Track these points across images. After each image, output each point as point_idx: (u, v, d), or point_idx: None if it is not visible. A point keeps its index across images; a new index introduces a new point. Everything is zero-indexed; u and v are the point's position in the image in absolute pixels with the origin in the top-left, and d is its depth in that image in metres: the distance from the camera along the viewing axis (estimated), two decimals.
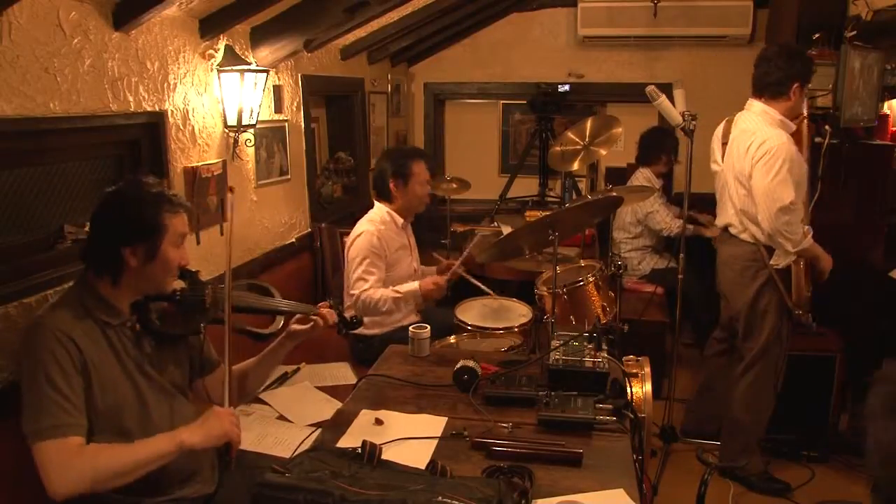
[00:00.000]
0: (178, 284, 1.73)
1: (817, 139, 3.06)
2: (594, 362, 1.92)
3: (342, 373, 2.93)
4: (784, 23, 4.07)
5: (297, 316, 1.92)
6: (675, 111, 2.96)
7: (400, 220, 3.01)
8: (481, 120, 5.66)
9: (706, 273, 3.60)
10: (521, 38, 5.23)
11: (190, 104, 2.61)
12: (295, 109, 3.54)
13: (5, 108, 1.80)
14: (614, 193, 3.12)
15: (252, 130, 2.94)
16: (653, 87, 2.97)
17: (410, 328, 2.32)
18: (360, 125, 4.47)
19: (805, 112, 2.84)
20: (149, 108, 2.38)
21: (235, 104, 2.77)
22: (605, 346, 2.01)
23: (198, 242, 2.68)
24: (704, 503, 2.01)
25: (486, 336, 2.85)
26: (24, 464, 1.45)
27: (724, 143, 2.88)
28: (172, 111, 2.51)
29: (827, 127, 3.16)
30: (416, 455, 1.63)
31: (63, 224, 2.13)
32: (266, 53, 3.04)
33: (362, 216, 3.02)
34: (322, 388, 2.75)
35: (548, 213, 2.59)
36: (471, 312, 3.04)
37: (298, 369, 2.91)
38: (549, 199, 4.95)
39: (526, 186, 5.12)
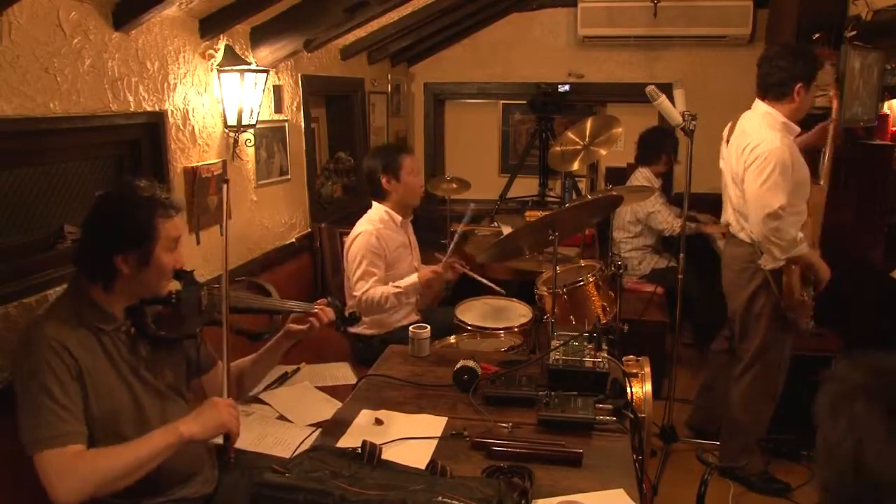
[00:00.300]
0: (174, 286, 1.70)
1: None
2: (594, 362, 1.92)
3: (342, 373, 2.93)
4: (784, 23, 4.07)
5: (294, 315, 1.90)
6: (675, 111, 2.96)
7: (398, 218, 3.01)
8: (481, 120, 5.66)
9: (706, 273, 3.61)
10: (521, 38, 5.23)
11: (190, 104, 2.61)
12: (295, 109, 3.54)
13: (5, 108, 1.80)
14: (614, 193, 3.12)
15: (252, 130, 2.94)
16: (653, 87, 2.97)
17: (410, 328, 2.32)
18: (360, 125, 4.47)
19: (834, 116, 2.80)
20: (149, 108, 2.38)
21: (235, 104, 2.77)
22: (605, 346, 2.01)
23: (198, 242, 2.68)
24: (704, 503, 2.01)
25: (486, 336, 2.85)
26: (24, 463, 1.45)
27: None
28: (172, 111, 2.51)
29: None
30: (416, 455, 1.63)
31: (63, 224, 2.14)
32: (266, 53, 3.04)
33: (362, 216, 3.02)
34: (322, 388, 2.75)
35: (548, 213, 2.59)
36: (471, 312, 3.04)
37: (298, 369, 2.91)
38: (549, 199, 4.95)
39: (526, 186, 5.12)
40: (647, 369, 2.12)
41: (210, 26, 2.64)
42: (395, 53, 4.86)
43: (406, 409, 1.92)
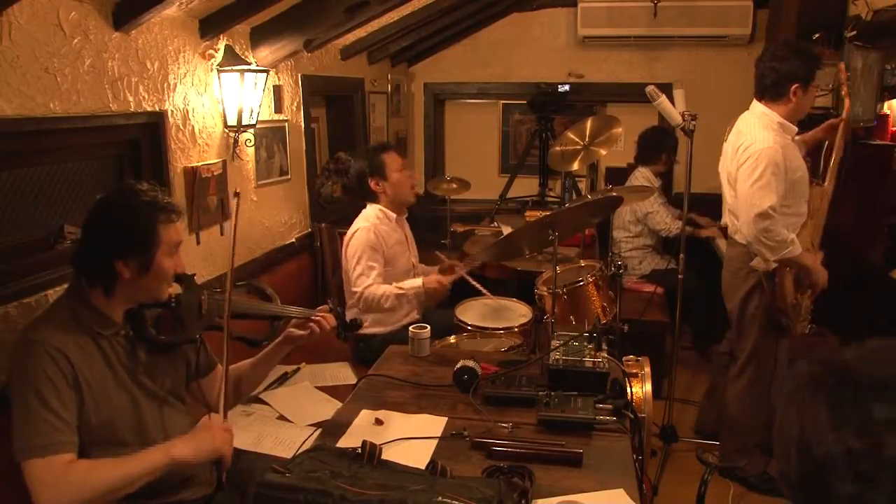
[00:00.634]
0: (174, 289, 1.69)
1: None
2: (594, 362, 1.92)
3: (342, 373, 2.93)
4: (784, 23, 4.07)
5: (295, 320, 1.90)
6: (674, 111, 2.96)
7: (393, 216, 3.01)
8: (481, 120, 5.66)
9: (706, 273, 3.61)
10: (521, 38, 5.23)
11: (190, 104, 2.61)
12: (295, 109, 3.54)
13: (5, 108, 1.80)
14: (614, 193, 3.12)
15: (252, 130, 2.94)
16: (653, 87, 2.96)
17: (410, 328, 2.32)
18: (360, 125, 4.47)
19: (845, 114, 2.77)
20: (149, 108, 2.38)
21: (235, 104, 2.77)
22: (605, 346, 2.01)
23: (198, 242, 2.68)
24: (704, 503, 2.01)
25: (486, 336, 2.85)
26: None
27: None
28: (172, 111, 2.51)
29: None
30: (416, 455, 1.63)
31: (63, 224, 2.13)
32: (266, 53, 3.04)
33: (357, 216, 3.03)
34: (322, 388, 2.76)
35: (548, 213, 2.59)
36: (471, 312, 3.04)
37: (298, 369, 2.91)
38: (549, 199, 4.95)
39: (526, 186, 5.12)
40: (647, 369, 2.12)
41: (210, 26, 2.64)
42: (395, 53, 4.86)
43: (406, 409, 1.92)
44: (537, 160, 4.99)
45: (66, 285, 1.97)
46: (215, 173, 2.75)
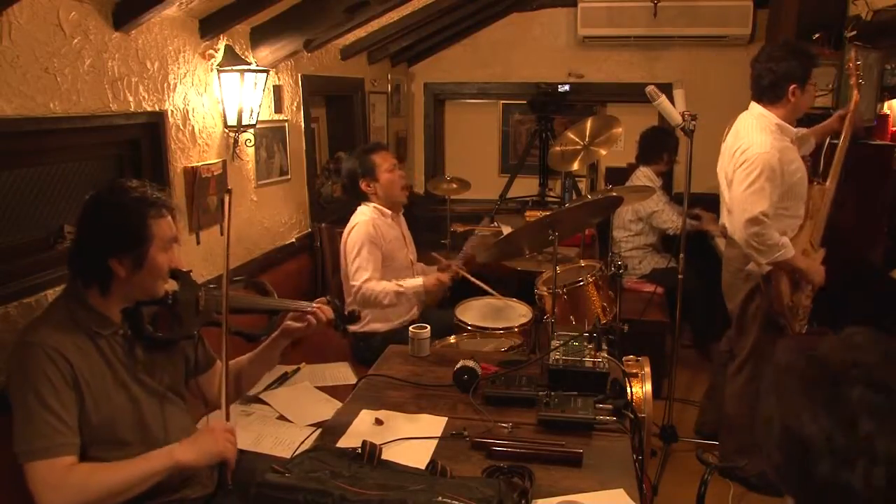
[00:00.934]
0: (171, 286, 1.68)
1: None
2: (594, 362, 1.92)
3: (342, 373, 2.93)
4: (784, 23, 4.07)
5: (292, 313, 1.90)
6: (674, 111, 2.96)
7: (388, 213, 3.02)
8: (481, 120, 5.66)
9: (706, 273, 3.61)
10: (521, 38, 5.23)
11: (190, 104, 2.61)
12: (295, 109, 3.54)
13: (5, 108, 1.80)
14: (614, 193, 3.12)
15: (252, 130, 2.95)
16: (653, 87, 2.96)
17: (410, 328, 2.32)
18: (360, 125, 4.47)
19: (852, 106, 2.74)
20: (149, 108, 2.38)
21: (235, 104, 2.77)
22: (605, 346, 2.01)
23: (198, 242, 2.68)
24: (704, 503, 2.01)
25: (486, 336, 2.85)
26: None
27: None
28: (172, 111, 2.51)
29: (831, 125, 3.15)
30: (416, 455, 1.63)
31: (63, 224, 2.13)
32: (266, 53, 3.04)
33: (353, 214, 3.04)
34: (322, 388, 2.76)
35: (548, 213, 2.59)
36: (471, 312, 3.04)
37: (298, 369, 2.91)
38: (549, 199, 4.95)
39: (526, 186, 5.12)
40: (647, 369, 2.12)
41: (210, 26, 2.64)
42: (395, 53, 4.86)
43: (406, 409, 1.92)
44: (537, 160, 4.99)
45: (65, 285, 1.98)
46: (215, 173, 2.75)
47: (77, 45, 2.03)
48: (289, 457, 1.52)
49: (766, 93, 2.64)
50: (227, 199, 1.72)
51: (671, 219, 4.09)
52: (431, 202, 5.26)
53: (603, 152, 3.76)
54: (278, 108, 3.35)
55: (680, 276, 3.12)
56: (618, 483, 1.55)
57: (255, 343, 1.92)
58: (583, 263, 3.34)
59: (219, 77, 2.74)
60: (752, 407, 2.84)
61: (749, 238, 2.55)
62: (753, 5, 4.57)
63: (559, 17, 5.13)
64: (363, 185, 2.98)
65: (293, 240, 3.56)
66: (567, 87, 4.95)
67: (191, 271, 1.76)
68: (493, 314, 3.06)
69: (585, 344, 1.99)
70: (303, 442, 1.82)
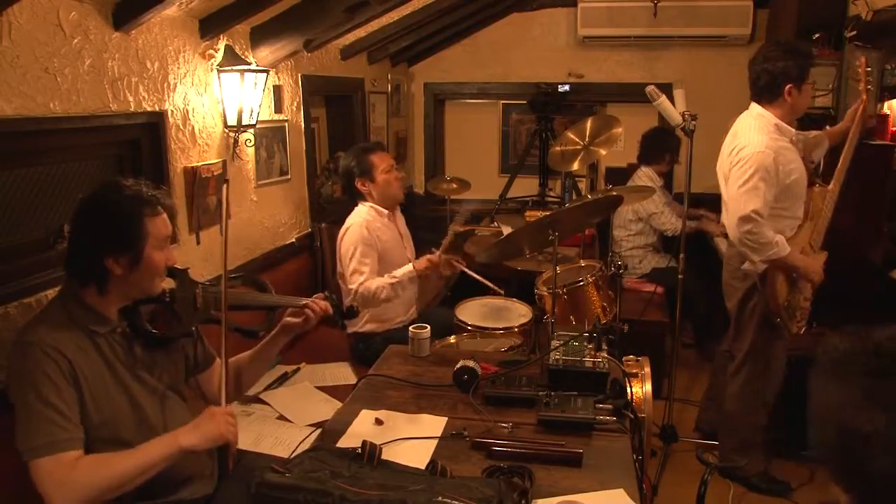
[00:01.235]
0: (168, 284, 1.68)
1: None
2: (594, 362, 1.92)
3: (342, 373, 2.93)
4: (784, 23, 4.07)
5: (291, 309, 1.90)
6: (674, 111, 2.96)
7: (385, 212, 3.02)
8: (481, 120, 5.66)
9: (706, 273, 3.61)
10: (521, 38, 5.23)
11: (190, 104, 2.61)
12: (295, 109, 3.54)
13: (5, 108, 1.80)
14: (614, 193, 3.12)
15: (252, 130, 2.95)
16: (653, 87, 2.97)
17: (410, 328, 2.32)
18: (360, 125, 4.47)
19: (860, 108, 2.73)
20: (149, 108, 2.38)
21: (235, 104, 2.77)
22: (605, 346, 2.01)
23: (198, 242, 2.68)
24: (704, 503, 2.01)
25: (486, 336, 2.85)
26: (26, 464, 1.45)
27: None
28: (172, 111, 2.51)
29: (828, 127, 3.15)
30: (416, 455, 1.63)
31: (63, 224, 2.13)
32: (266, 53, 3.04)
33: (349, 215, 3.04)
34: (322, 388, 2.76)
35: (548, 213, 2.59)
36: (471, 312, 3.04)
37: (298, 369, 2.91)
38: (549, 199, 4.96)
39: (526, 186, 5.12)
40: (647, 369, 2.12)
41: (210, 26, 2.64)
42: (395, 53, 4.86)
43: (406, 409, 1.92)
44: (537, 160, 4.99)
45: (62, 285, 1.97)
46: (215, 173, 2.75)
47: (77, 45, 2.03)
48: (289, 457, 1.52)
49: (764, 93, 2.65)
50: (224, 189, 1.72)
51: (670, 221, 4.09)
52: (431, 202, 5.27)
53: (603, 152, 3.77)
54: (278, 108, 3.35)
55: (680, 276, 3.12)
56: (618, 483, 1.55)
57: (253, 340, 1.92)
58: (583, 263, 3.34)
59: (219, 77, 2.74)
60: (751, 407, 2.84)
61: (742, 236, 2.56)
62: (753, 5, 4.58)
63: (559, 17, 5.13)
64: (359, 185, 2.99)
65: (293, 240, 3.56)
66: (567, 87, 4.95)
67: (188, 269, 1.75)
68: (493, 314, 3.06)
69: (585, 344, 1.99)
70: (302, 441, 1.82)
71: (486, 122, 5.65)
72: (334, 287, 3.14)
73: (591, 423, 1.78)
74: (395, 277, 2.80)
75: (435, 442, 1.74)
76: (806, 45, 2.68)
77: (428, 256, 2.82)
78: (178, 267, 1.72)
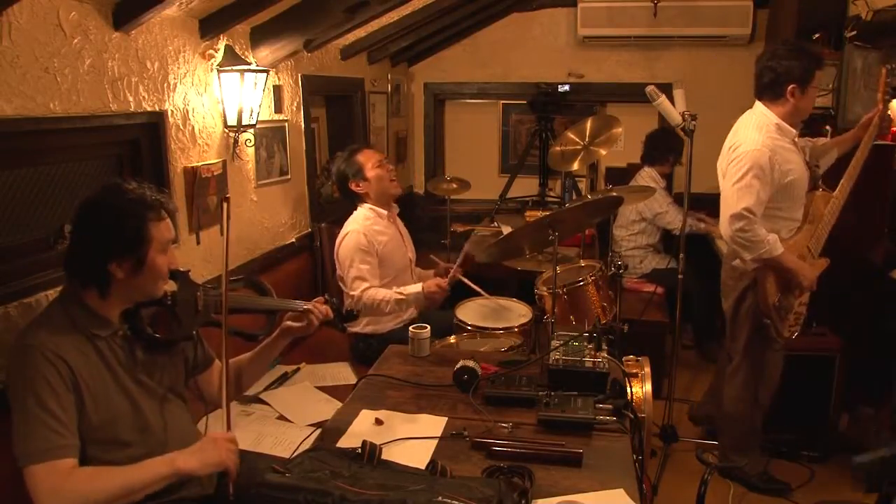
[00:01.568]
0: (170, 286, 1.68)
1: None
2: (594, 362, 1.92)
3: (342, 373, 2.93)
4: (784, 23, 4.07)
5: (291, 312, 1.90)
6: (674, 111, 2.96)
7: (384, 213, 3.02)
8: (481, 120, 5.66)
9: (706, 273, 3.61)
10: (521, 38, 5.23)
11: (190, 104, 2.61)
12: (295, 109, 3.54)
13: (5, 108, 1.80)
14: (614, 193, 3.12)
15: (252, 130, 2.94)
16: (653, 87, 2.97)
17: (410, 328, 2.32)
18: (360, 125, 4.47)
19: (876, 118, 2.72)
20: (149, 108, 2.38)
21: (235, 104, 2.77)
22: (605, 346, 2.01)
23: (198, 242, 2.68)
24: (704, 503, 2.01)
25: (486, 336, 2.85)
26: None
27: None
28: (172, 111, 2.51)
29: (827, 127, 3.15)
30: (416, 455, 1.63)
31: (63, 224, 2.13)
32: (266, 53, 3.04)
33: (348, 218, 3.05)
34: (322, 388, 2.76)
35: (548, 213, 2.60)
36: (471, 312, 3.04)
37: (298, 369, 2.91)
38: (549, 199, 4.96)
39: (526, 186, 5.12)
40: (647, 369, 2.12)
41: (210, 26, 2.64)
42: (395, 53, 4.86)
43: (406, 409, 1.92)
44: (537, 160, 4.99)
45: (62, 287, 1.97)
46: (215, 173, 2.76)
47: (77, 45, 2.03)
48: (289, 457, 1.52)
49: (766, 91, 2.64)
50: (224, 206, 1.71)
51: (676, 219, 4.09)
52: (431, 202, 5.27)
53: (603, 152, 3.77)
54: (278, 108, 3.35)
55: (680, 276, 3.12)
56: (618, 483, 1.55)
57: (254, 342, 1.92)
58: (583, 263, 3.34)
59: (219, 77, 2.74)
60: (749, 408, 2.84)
61: (734, 233, 2.56)
62: (753, 5, 4.58)
63: (559, 17, 5.13)
64: (353, 186, 2.99)
65: (293, 240, 3.56)
66: (567, 87, 4.95)
67: (189, 271, 1.75)
68: (493, 314, 3.06)
69: (585, 344, 1.99)
70: (303, 442, 1.82)
71: (486, 122, 5.65)
72: (334, 287, 3.14)
73: (591, 423, 1.78)
74: (401, 295, 2.81)
75: (435, 442, 1.74)
76: (816, 48, 2.67)
77: (437, 281, 2.81)
78: (180, 269, 1.72)
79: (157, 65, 2.40)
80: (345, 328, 2.13)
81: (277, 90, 3.33)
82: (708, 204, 4.01)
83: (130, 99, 2.28)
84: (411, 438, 1.75)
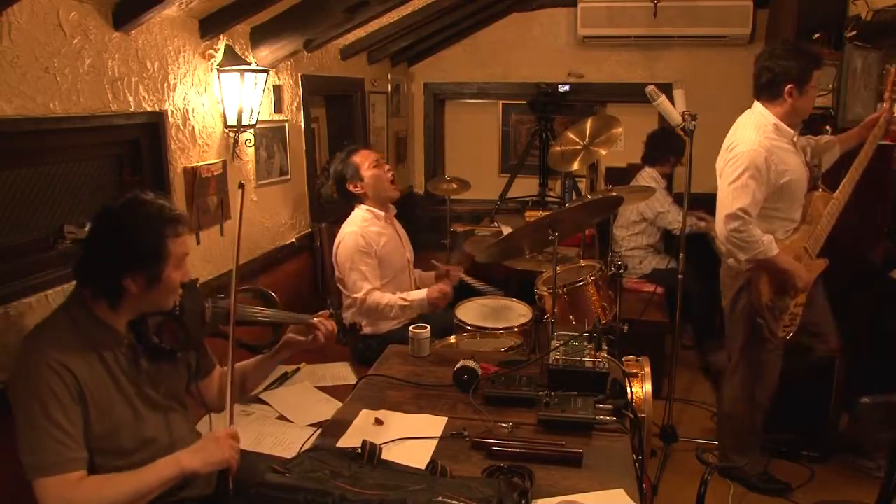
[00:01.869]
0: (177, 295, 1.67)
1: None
2: (594, 362, 1.92)
3: (342, 373, 2.93)
4: (784, 23, 4.07)
5: (295, 326, 1.91)
6: (674, 111, 2.96)
7: (382, 214, 3.02)
8: (481, 120, 5.66)
9: (706, 273, 3.61)
10: (521, 38, 5.23)
11: (190, 104, 2.61)
12: (295, 109, 3.54)
13: (5, 108, 1.80)
14: (614, 193, 3.12)
15: (252, 130, 2.94)
16: (653, 87, 2.97)
17: (410, 328, 2.32)
18: (360, 125, 4.47)
19: (881, 119, 2.70)
20: (149, 108, 2.38)
21: (235, 104, 2.77)
22: (605, 346, 2.01)
23: (198, 242, 2.68)
24: (704, 503, 2.01)
25: (486, 336, 2.85)
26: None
27: None
28: (172, 111, 2.51)
29: (827, 127, 3.15)
30: (416, 455, 1.63)
31: (63, 224, 2.13)
32: (266, 53, 3.04)
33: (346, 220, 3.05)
34: (322, 388, 2.76)
35: (548, 213, 2.59)
36: (471, 312, 3.04)
37: (298, 369, 2.91)
38: (549, 199, 4.95)
39: (526, 186, 5.12)
40: (647, 369, 2.12)
41: (210, 26, 2.64)
42: (395, 53, 4.86)
43: (406, 409, 1.92)
44: (537, 160, 4.99)
45: (65, 285, 1.97)
46: (215, 173, 2.76)
47: (77, 45, 2.03)
48: (289, 457, 1.52)
49: (764, 91, 2.64)
50: (241, 193, 1.71)
51: (677, 219, 4.09)
52: (431, 202, 5.26)
53: (603, 152, 3.77)
54: (278, 108, 3.35)
55: (680, 276, 3.12)
56: (618, 483, 1.55)
57: (258, 353, 1.94)
58: (583, 263, 3.34)
59: (219, 77, 2.74)
60: (747, 408, 2.84)
61: (729, 233, 2.56)
62: (753, 5, 4.58)
63: (559, 17, 5.13)
64: (351, 187, 3.00)
65: (293, 240, 3.56)
66: (567, 87, 4.95)
67: (197, 281, 1.75)
68: (493, 314, 3.06)
69: (585, 344, 1.99)
70: (305, 442, 1.82)
71: (486, 122, 5.65)
72: (334, 287, 3.14)
73: (591, 423, 1.78)
74: (406, 301, 2.81)
75: (435, 442, 1.74)
76: (816, 49, 2.65)
77: (440, 287, 2.82)
78: (189, 279, 1.71)
79: (157, 65, 2.40)
80: (346, 342, 2.14)
81: (277, 90, 3.32)
82: (708, 204, 4.00)
83: (130, 99, 2.28)
84: (411, 438, 1.75)
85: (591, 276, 2.94)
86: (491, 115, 5.64)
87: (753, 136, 2.58)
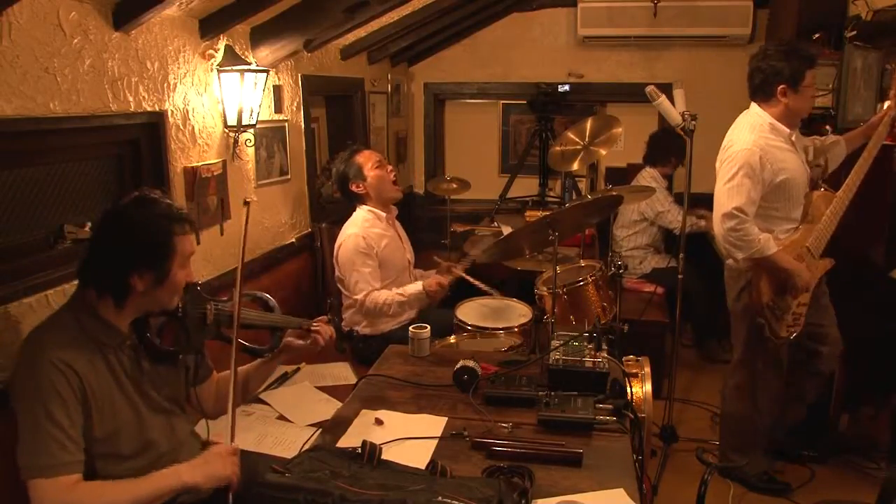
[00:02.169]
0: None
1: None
2: (594, 362, 1.92)
3: (342, 373, 2.93)
4: (784, 23, 4.07)
5: (294, 330, 1.93)
6: (674, 111, 2.96)
7: (383, 215, 3.03)
8: (481, 120, 5.66)
9: (706, 273, 3.61)
10: (521, 38, 5.23)
11: (190, 104, 2.61)
12: (295, 109, 3.54)
13: (5, 108, 1.80)
14: (614, 193, 3.12)
15: (252, 130, 2.94)
16: (653, 87, 2.97)
17: (410, 328, 2.32)
18: (360, 125, 4.47)
19: (887, 118, 2.69)
20: (149, 108, 2.38)
21: (235, 104, 2.77)
22: (605, 346, 2.01)
23: (198, 242, 2.67)
24: (704, 503, 2.01)
25: (486, 336, 2.85)
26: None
27: None
28: (172, 111, 2.51)
29: (827, 127, 3.14)
30: (416, 455, 1.63)
31: (63, 224, 2.13)
32: (266, 53, 3.04)
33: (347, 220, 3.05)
34: (322, 388, 2.76)
35: (548, 213, 2.60)
36: (471, 312, 3.04)
37: (298, 369, 2.91)
38: (549, 199, 4.95)
39: (526, 186, 5.12)
40: (647, 369, 2.12)
41: (210, 26, 2.64)
42: (395, 53, 4.85)
43: (406, 409, 1.92)
44: (537, 160, 4.99)
45: (65, 285, 1.97)
46: (215, 173, 2.76)
47: (77, 45, 2.03)
48: (289, 457, 1.52)
49: (758, 92, 2.65)
50: (246, 209, 1.72)
51: (677, 219, 4.10)
52: (431, 202, 5.26)
53: (603, 152, 3.77)
54: (278, 108, 3.35)
55: (680, 276, 3.12)
56: (618, 483, 1.55)
57: (257, 356, 1.94)
58: (583, 263, 3.34)
59: (219, 77, 2.74)
60: (748, 407, 2.84)
61: (726, 233, 2.57)
62: (753, 5, 4.58)
63: (559, 17, 5.12)
64: (353, 188, 3.01)
65: (293, 240, 3.56)
66: (567, 87, 4.95)
67: (199, 283, 1.75)
68: (493, 314, 3.06)
69: (585, 344, 1.99)
70: (306, 442, 1.82)
71: (485, 122, 5.65)
72: (334, 287, 3.14)
73: (591, 423, 1.78)
74: (403, 295, 2.82)
75: (435, 442, 1.74)
76: (807, 48, 2.65)
77: (437, 279, 2.83)
78: (192, 281, 1.71)
79: (157, 65, 2.40)
80: (344, 348, 2.15)
81: (277, 90, 3.32)
82: (709, 203, 4.01)
83: (130, 99, 2.28)
84: (411, 438, 1.75)
85: (591, 276, 2.95)
86: (491, 115, 5.64)
87: (748, 135, 2.59)
